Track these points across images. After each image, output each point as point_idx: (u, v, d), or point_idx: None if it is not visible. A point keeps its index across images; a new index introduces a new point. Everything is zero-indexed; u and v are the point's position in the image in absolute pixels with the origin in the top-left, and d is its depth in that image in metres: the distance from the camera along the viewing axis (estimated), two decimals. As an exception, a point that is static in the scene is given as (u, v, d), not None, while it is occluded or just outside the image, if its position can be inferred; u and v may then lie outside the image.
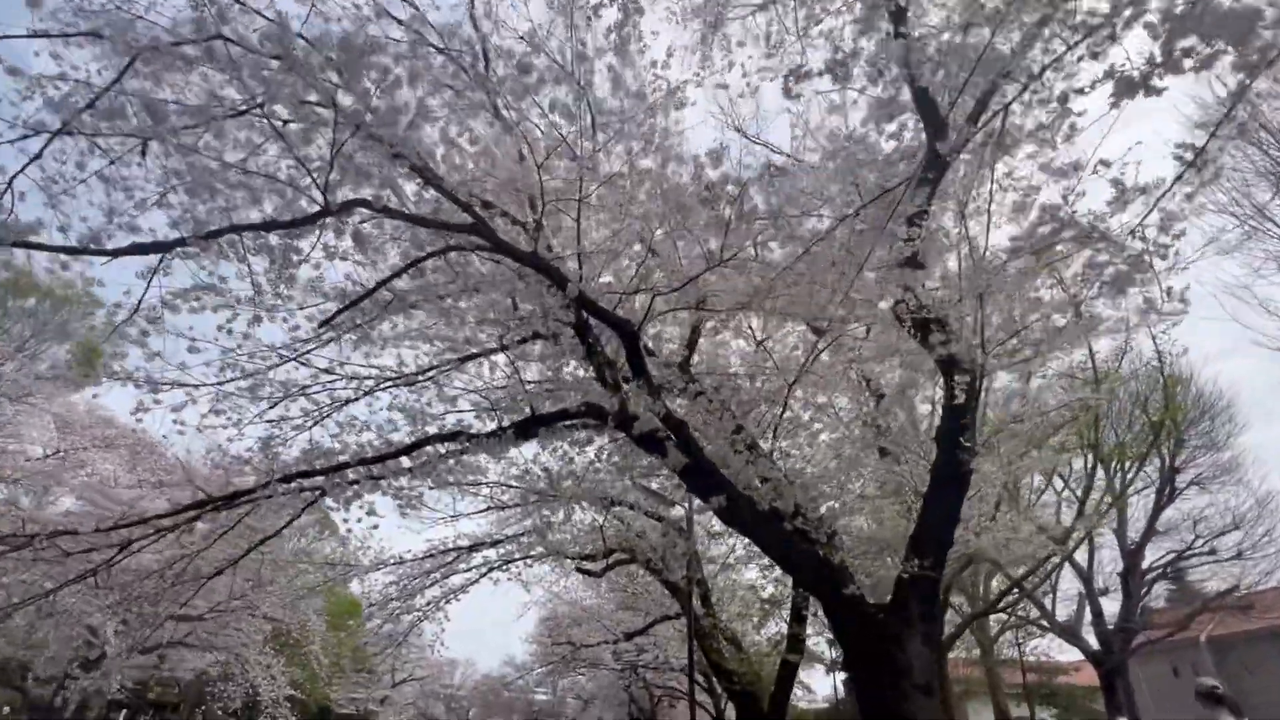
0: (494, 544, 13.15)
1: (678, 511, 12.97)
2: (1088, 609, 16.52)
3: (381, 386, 7.62)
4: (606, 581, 19.02)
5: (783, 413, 6.41)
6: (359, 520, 7.91)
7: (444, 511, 13.49)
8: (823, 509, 6.58)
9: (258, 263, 5.21)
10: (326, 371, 7.31)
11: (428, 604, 12.65)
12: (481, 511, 13.48)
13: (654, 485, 9.45)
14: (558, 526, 12.65)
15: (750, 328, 7.36)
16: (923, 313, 5.70)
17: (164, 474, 16.35)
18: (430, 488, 13.61)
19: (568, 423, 7.15)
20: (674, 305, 5.64)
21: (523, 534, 13.14)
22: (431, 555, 13.14)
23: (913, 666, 5.16)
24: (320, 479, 7.56)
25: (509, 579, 12.87)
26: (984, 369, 5.16)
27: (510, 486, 12.91)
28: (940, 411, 5.80)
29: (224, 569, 8.96)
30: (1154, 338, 10.99)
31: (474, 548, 13.18)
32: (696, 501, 8.99)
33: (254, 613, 21.02)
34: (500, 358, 7.58)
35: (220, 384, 6.69)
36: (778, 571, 10.88)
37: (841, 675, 33.11)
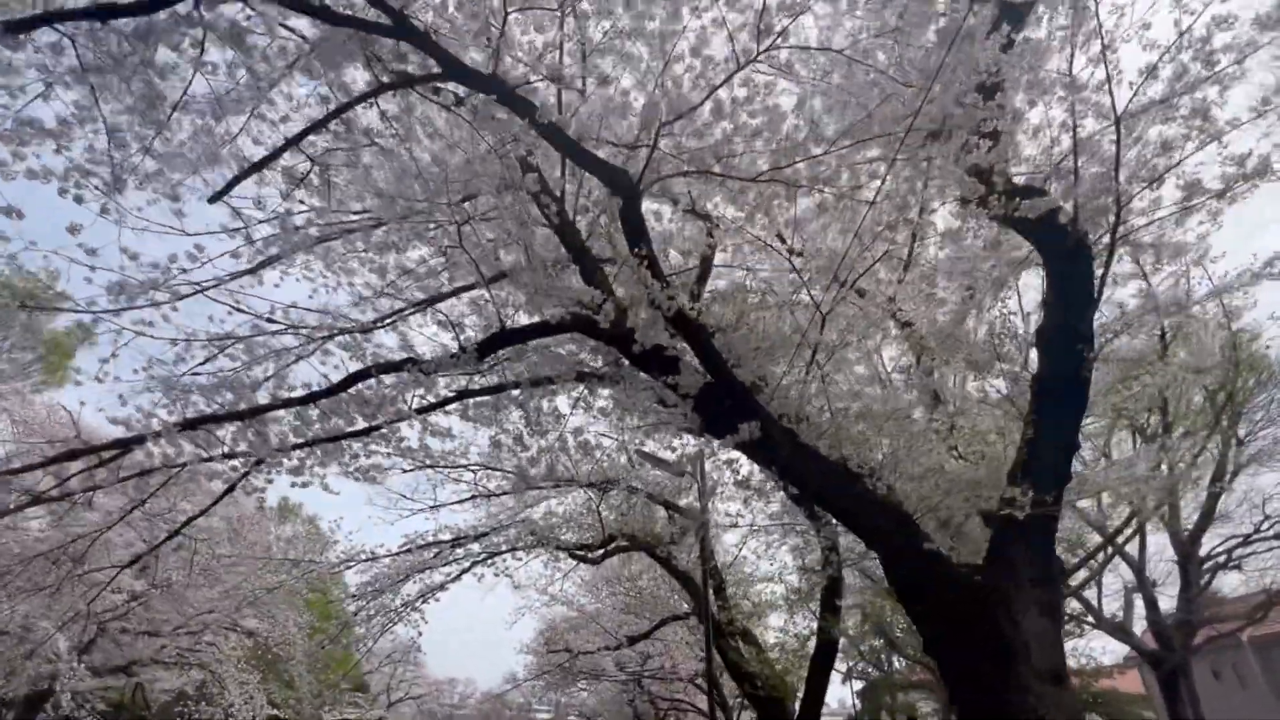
0: (479, 537, 11.64)
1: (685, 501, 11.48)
2: (1137, 603, 14.95)
3: (333, 336, 6.14)
4: (607, 585, 17.46)
5: (822, 327, 4.93)
6: (292, 484, 6.46)
7: (421, 501, 12.04)
8: (879, 455, 5.10)
9: (114, 102, 3.78)
10: (269, 319, 5.90)
11: (403, 605, 11.12)
12: (463, 501, 12.03)
13: (661, 450, 7.96)
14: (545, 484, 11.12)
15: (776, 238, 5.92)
16: (1004, 175, 4.29)
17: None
18: (405, 469, 12.11)
19: (562, 382, 5.70)
20: (684, 170, 4.20)
21: (509, 525, 11.63)
22: (408, 550, 11.62)
23: (1029, 645, 3.68)
24: (249, 439, 6.14)
25: (496, 575, 11.33)
26: (1117, 232, 3.71)
27: (494, 469, 11.48)
28: (1044, 309, 4.36)
29: (143, 555, 7.50)
30: (1220, 296, 9.42)
31: (457, 541, 11.66)
32: (711, 458, 7.50)
33: (230, 626, 19.51)
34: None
35: (116, 312, 5.23)
36: (807, 558, 9.38)
37: (858, 685, 31.26)
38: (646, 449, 8.24)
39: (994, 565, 3.98)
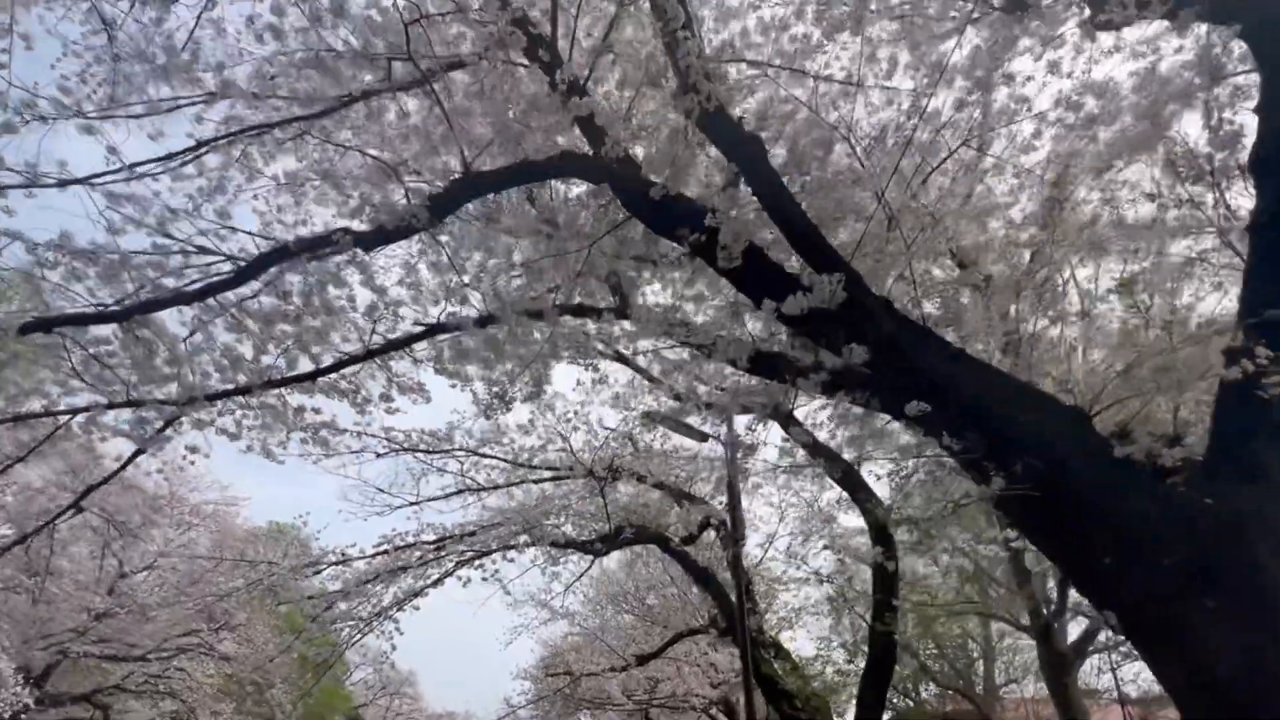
0: (465, 535, 10.15)
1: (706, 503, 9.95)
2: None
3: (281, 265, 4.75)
4: (612, 602, 15.78)
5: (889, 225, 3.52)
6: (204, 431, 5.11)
7: (401, 495, 10.55)
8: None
9: None
10: (202, 250, 4.60)
11: (375, 614, 9.55)
12: (449, 496, 10.55)
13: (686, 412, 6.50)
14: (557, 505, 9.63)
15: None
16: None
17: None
18: (379, 452, 10.58)
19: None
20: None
21: (501, 522, 10.13)
22: (385, 551, 10.11)
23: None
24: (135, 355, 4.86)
25: (485, 579, 9.78)
26: None
27: (484, 456, 10.03)
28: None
29: (30, 535, 6.08)
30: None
31: (441, 542, 10.17)
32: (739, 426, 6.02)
33: (204, 650, 17.95)
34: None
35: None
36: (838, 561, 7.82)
37: (885, 716, 29.03)
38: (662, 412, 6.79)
39: (1222, 477, 2.51)
